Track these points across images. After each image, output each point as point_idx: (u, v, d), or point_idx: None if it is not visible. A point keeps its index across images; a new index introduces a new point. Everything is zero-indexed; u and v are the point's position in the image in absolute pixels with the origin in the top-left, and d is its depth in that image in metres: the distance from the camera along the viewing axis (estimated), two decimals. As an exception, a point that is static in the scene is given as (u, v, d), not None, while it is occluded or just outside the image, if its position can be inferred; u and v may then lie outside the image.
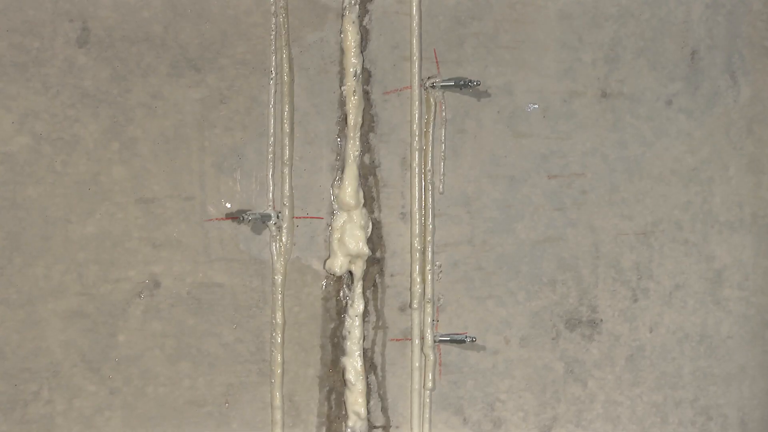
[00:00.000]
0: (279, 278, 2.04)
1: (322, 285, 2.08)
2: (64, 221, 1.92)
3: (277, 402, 2.05)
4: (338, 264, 2.06)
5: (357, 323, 2.07)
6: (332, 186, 2.07)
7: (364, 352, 2.10)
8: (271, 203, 2.03)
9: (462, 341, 2.14)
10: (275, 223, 2.03)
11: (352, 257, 2.06)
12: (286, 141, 2.03)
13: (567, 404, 2.23)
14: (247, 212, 2.01)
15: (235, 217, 2.01)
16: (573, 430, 2.25)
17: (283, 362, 2.05)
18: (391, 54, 2.09)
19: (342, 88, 2.06)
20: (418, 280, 2.11)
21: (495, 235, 2.17)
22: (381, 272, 2.11)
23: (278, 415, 2.05)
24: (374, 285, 2.11)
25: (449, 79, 2.10)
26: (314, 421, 2.09)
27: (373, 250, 2.09)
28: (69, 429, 1.95)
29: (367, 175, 2.09)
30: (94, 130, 1.93)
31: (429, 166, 2.11)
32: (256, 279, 2.03)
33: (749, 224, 2.32)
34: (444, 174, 2.12)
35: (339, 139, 2.07)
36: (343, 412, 2.10)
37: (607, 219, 2.23)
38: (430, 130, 2.11)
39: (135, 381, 1.97)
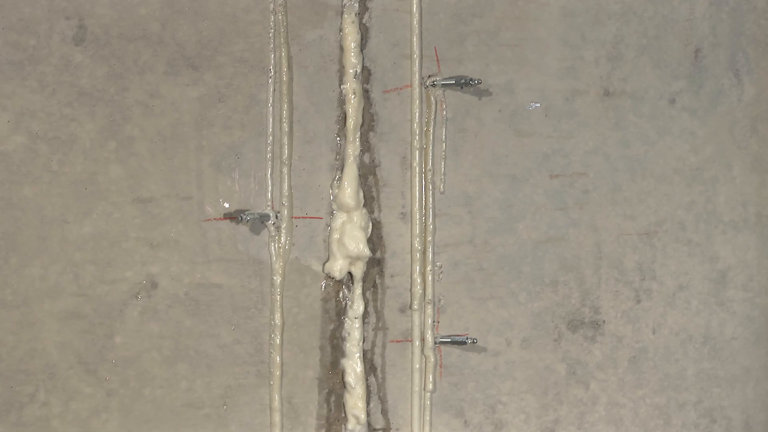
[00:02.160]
0: (278, 279, 2.03)
1: (322, 286, 2.07)
2: (61, 221, 1.91)
3: (276, 404, 2.04)
4: (338, 267, 2.04)
5: (357, 324, 2.06)
6: (331, 186, 2.06)
7: (364, 353, 2.09)
8: (269, 203, 2.02)
9: (463, 343, 2.13)
10: (274, 223, 2.02)
11: (352, 259, 2.05)
12: (285, 140, 2.02)
13: (569, 406, 2.22)
14: (246, 212, 2.00)
15: (234, 217, 2.00)
16: (575, 433, 2.24)
17: (282, 364, 2.04)
18: (391, 52, 2.08)
19: (341, 86, 2.05)
20: (419, 280, 2.10)
21: (496, 235, 2.16)
22: (381, 273, 2.10)
23: (277, 418, 2.04)
24: (374, 286, 2.09)
25: (450, 78, 2.09)
26: (313, 423, 2.08)
27: (372, 250, 2.08)
28: (65, 431, 1.94)
29: (367, 174, 2.08)
30: (91, 129, 1.92)
31: (429, 166, 2.10)
32: (254, 280, 2.02)
33: (753, 224, 2.31)
34: (444, 173, 2.11)
35: (338, 138, 2.06)
36: (343, 415, 2.09)
37: (609, 219, 2.22)
38: (431, 129, 2.10)
39: (132, 383, 1.96)
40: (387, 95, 2.08)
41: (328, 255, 2.06)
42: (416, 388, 2.12)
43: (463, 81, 2.09)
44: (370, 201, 2.09)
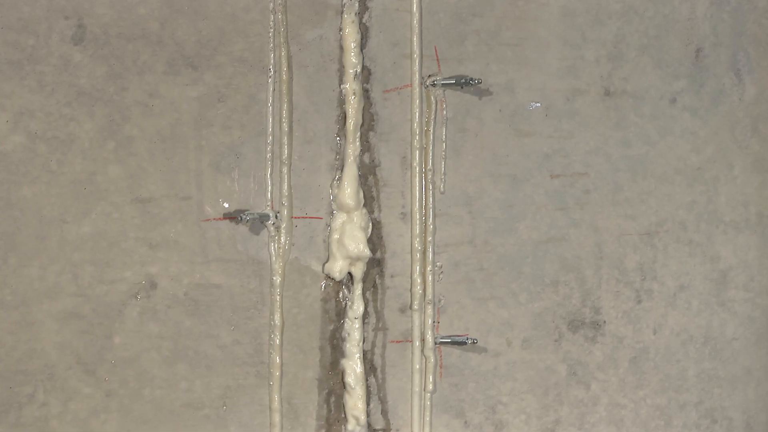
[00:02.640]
0: (277, 279, 2.02)
1: (321, 286, 2.06)
2: (60, 221, 1.91)
3: (276, 405, 2.03)
4: (338, 268, 2.04)
5: (357, 325, 2.06)
6: (331, 186, 2.05)
7: (364, 354, 2.08)
8: (269, 203, 2.02)
9: (463, 343, 2.13)
10: (273, 223, 2.02)
11: (352, 259, 2.04)
12: (285, 140, 2.01)
13: (570, 407, 2.22)
14: (245, 212, 2.00)
15: (233, 217, 2.00)
16: (576, 433, 2.24)
17: (282, 364, 2.04)
18: (391, 52, 2.07)
19: (341, 86, 2.04)
20: (419, 281, 2.09)
21: (497, 235, 2.15)
22: (381, 273, 2.09)
23: (276, 418, 2.04)
24: (374, 286, 2.09)
25: (450, 77, 2.09)
26: (313, 424, 2.07)
27: (372, 250, 2.08)
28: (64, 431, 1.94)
29: (367, 174, 2.07)
30: (90, 129, 1.92)
31: (430, 166, 2.09)
32: (254, 280, 2.02)
33: (754, 224, 2.31)
34: (445, 173, 2.11)
35: (338, 138, 2.05)
36: (343, 415, 2.08)
37: (610, 219, 2.22)
38: (431, 129, 2.10)
39: (131, 383, 1.96)
40: (387, 95, 2.08)
41: (328, 255, 2.06)
42: (416, 389, 2.11)
43: (463, 81, 2.09)
44: (370, 201, 2.08)
